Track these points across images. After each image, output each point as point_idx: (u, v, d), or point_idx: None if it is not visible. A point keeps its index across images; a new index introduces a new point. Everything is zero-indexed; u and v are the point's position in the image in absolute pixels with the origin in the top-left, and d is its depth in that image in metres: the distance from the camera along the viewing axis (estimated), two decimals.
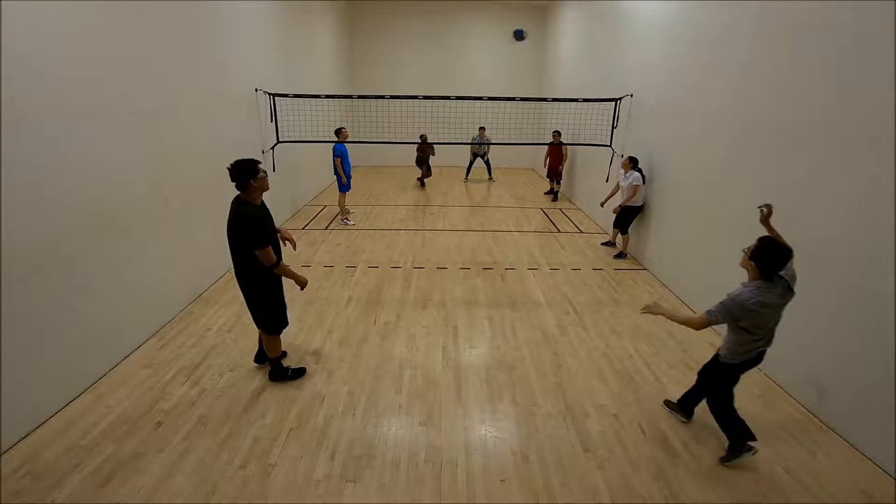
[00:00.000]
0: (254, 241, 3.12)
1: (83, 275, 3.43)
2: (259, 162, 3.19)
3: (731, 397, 2.99)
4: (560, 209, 9.26)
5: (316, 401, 3.44)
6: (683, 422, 3.32)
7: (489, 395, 3.57)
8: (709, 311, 2.68)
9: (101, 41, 3.57)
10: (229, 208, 3.20)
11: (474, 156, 11.78)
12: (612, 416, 3.38)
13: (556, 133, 9.37)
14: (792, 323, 3.67)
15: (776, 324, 2.73)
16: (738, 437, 2.91)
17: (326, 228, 7.60)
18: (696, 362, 4.04)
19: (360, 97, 7.97)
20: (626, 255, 6.55)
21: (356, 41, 12.81)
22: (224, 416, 3.26)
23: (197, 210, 4.99)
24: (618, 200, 6.34)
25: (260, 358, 3.85)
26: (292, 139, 7.54)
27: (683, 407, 3.32)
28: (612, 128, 7.39)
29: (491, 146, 11.38)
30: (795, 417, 3.41)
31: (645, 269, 6.14)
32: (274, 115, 6.98)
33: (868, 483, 2.85)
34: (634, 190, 6.07)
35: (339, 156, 7.49)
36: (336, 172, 7.61)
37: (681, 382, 3.76)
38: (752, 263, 2.62)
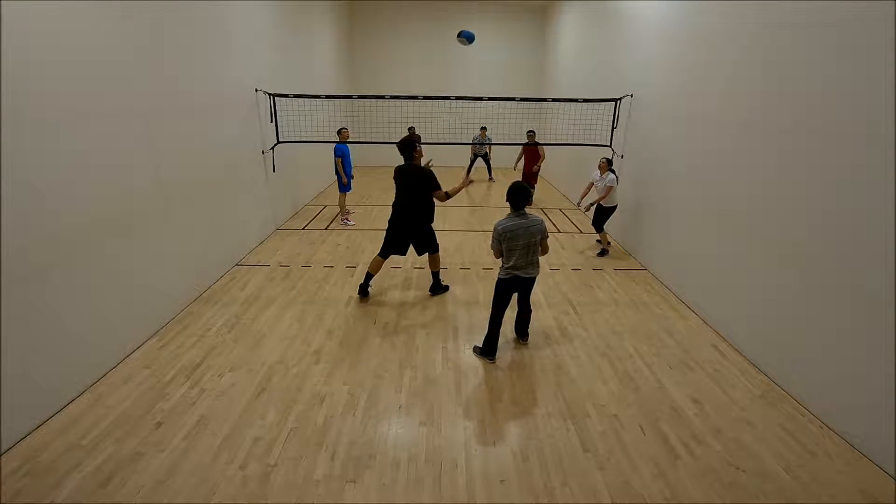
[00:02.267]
0: (436, 185, 4.68)
1: (83, 275, 3.43)
2: (417, 140, 4.74)
3: (501, 309, 3.93)
4: (560, 209, 9.26)
5: (316, 401, 3.44)
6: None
7: (489, 396, 3.57)
8: (490, 244, 3.85)
9: (101, 41, 3.57)
10: (398, 173, 4.76)
11: (475, 156, 11.77)
12: (612, 416, 3.38)
13: (531, 133, 9.15)
14: (792, 323, 3.69)
15: (527, 255, 3.75)
16: (488, 344, 3.98)
17: (327, 229, 7.60)
18: (696, 362, 4.05)
19: (360, 97, 7.96)
20: (608, 252, 6.69)
21: (356, 41, 12.82)
22: (224, 416, 3.26)
23: (197, 210, 5.00)
24: (592, 198, 6.56)
25: (363, 291, 5.02)
26: (292, 139, 7.54)
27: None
28: (612, 128, 7.39)
29: (492, 146, 11.40)
30: (795, 417, 3.41)
31: (645, 270, 6.14)
32: (274, 115, 6.98)
33: (868, 483, 2.85)
34: (608, 190, 6.28)
35: (340, 156, 7.51)
36: (337, 172, 7.63)
37: (681, 382, 3.76)
38: (508, 202, 3.76)
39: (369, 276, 5.07)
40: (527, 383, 3.72)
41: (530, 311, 4.21)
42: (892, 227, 2.87)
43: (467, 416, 3.35)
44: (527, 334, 4.30)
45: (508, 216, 3.73)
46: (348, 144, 7.65)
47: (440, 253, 5.22)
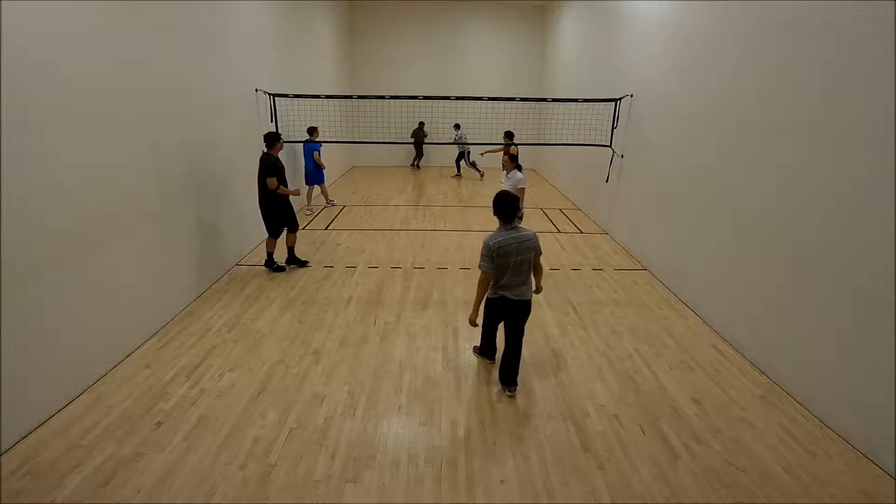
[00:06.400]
0: (271, 173, 5.30)
1: (83, 275, 3.43)
2: (280, 135, 5.50)
3: (492, 327, 3.75)
4: (560, 209, 9.26)
5: (316, 401, 3.44)
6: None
7: (489, 396, 3.57)
8: (479, 265, 3.34)
9: (101, 41, 3.57)
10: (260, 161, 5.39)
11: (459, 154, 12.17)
12: (612, 416, 3.37)
13: (508, 134, 8.35)
14: (792, 323, 3.69)
15: (518, 274, 3.33)
16: (485, 347, 3.90)
17: (326, 228, 7.60)
18: (696, 362, 4.05)
19: (360, 97, 7.97)
20: None
21: (356, 41, 12.82)
22: (224, 416, 3.26)
23: (197, 210, 5.00)
24: None
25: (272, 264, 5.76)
26: (292, 139, 7.54)
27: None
28: (612, 128, 7.39)
29: (473, 145, 11.56)
30: (795, 417, 3.41)
31: (645, 270, 6.14)
32: (274, 115, 6.98)
33: (868, 483, 2.85)
34: (522, 193, 5.36)
35: (317, 149, 8.20)
36: (317, 165, 8.32)
37: (681, 382, 3.76)
38: (496, 216, 3.35)
39: (290, 249, 5.86)
40: (527, 383, 3.71)
41: (520, 350, 3.54)
42: (893, 227, 2.87)
43: (467, 416, 3.35)
44: (515, 383, 3.55)
45: (498, 230, 3.32)
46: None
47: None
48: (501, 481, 2.79)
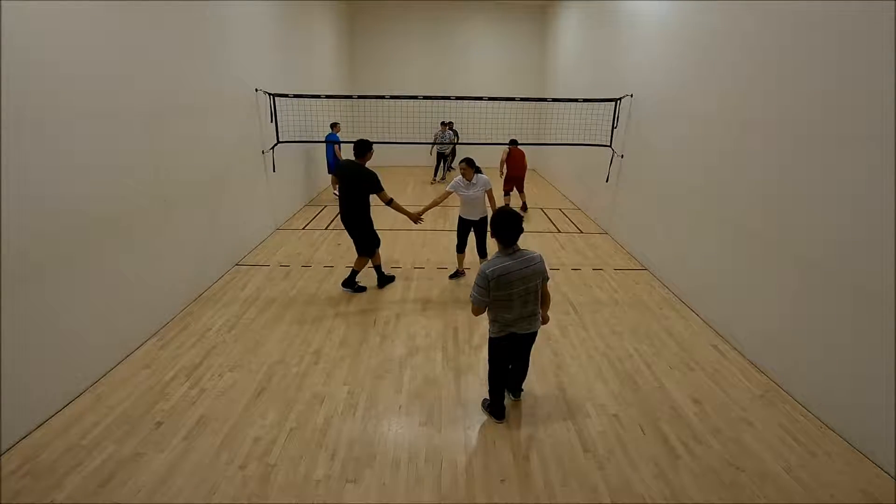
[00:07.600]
0: (379, 187, 4.74)
1: (83, 275, 3.43)
2: (371, 143, 4.85)
3: (500, 371, 3.21)
4: (560, 209, 9.26)
5: (316, 401, 3.44)
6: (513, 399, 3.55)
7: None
8: (471, 295, 2.90)
9: (101, 41, 3.57)
10: (344, 171, 4.81)
11: (439, 155, 11.42)
12: (612, 416, 3.37)
13: (513, 143, 8.41)
14: (792, 323, 3.69)
15: (526, 305, 2.92)
16: (495, 401, 3.28)
17: (327, 228, 7.60)
18: (696, 362, 4.05)
19: (360, 97, 7.97)
20: (464, 273, 5.73)
21: (356, 41, 12.82)
22: (224, 416, 3.26)
23: (197, 210, 5.00)
24: (477, 214, 5.20)
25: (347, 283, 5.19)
26: (292, 139, 7.55)
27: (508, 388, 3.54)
28: (612, 128, 7.39)
29: (457, 146, 11.25)
30: (795, 417, 3.41)
31: (645, 270, 6.14)
32: (274, 115, 6.98)
33: (868, 483, 2.85)
34: (492, 194, 5.11)
35: (338, 142, 9.07)
36: (336, 156, 9.18)
37: (681, 382, 3.76)
38: (494, 238, 2.88)
39: (354, 272, 5.20)
40: (527, 383, 3.71)
41: (527, 366, 3.42)
42: (893, 227, 2.87)
43: (467, 416, 3.34)
44: (521, 390, 3.53)
45: (497, 255, 2.85)
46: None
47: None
48: (501, 481, 2.79)
